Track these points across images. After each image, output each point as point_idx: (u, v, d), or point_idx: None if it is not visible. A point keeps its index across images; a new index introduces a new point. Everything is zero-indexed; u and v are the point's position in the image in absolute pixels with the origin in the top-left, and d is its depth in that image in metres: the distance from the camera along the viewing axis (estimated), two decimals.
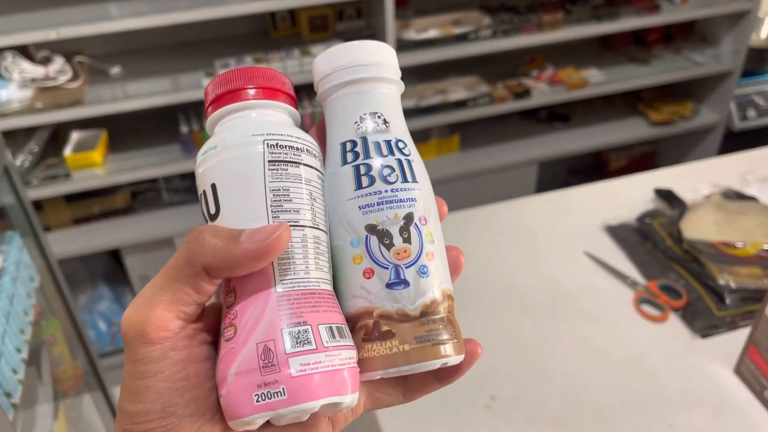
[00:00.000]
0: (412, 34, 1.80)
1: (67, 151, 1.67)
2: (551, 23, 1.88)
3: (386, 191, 0.34)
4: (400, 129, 0.36)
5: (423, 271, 0.33)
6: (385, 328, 0.32)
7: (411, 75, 2.01)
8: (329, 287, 0.33)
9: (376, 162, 0.34)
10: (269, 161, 0.32)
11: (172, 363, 0.29)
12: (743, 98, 2.19)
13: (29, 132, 1.72)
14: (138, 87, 1.69)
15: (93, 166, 1.68)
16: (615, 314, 0.87)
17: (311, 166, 0.33)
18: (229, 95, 0.34)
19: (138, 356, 0.29)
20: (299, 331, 0.29)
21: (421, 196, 0.34)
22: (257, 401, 0.28)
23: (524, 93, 1.96)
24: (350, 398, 0.30)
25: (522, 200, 1.14)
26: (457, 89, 1.94)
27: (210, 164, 0.32)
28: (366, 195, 0.34)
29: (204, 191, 0.33)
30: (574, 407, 0.74)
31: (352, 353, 0.31)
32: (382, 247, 0.33)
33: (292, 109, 0.36)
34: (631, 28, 1.97)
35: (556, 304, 0.89)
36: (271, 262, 0.30)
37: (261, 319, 0.30)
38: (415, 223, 0.34)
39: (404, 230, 0.33)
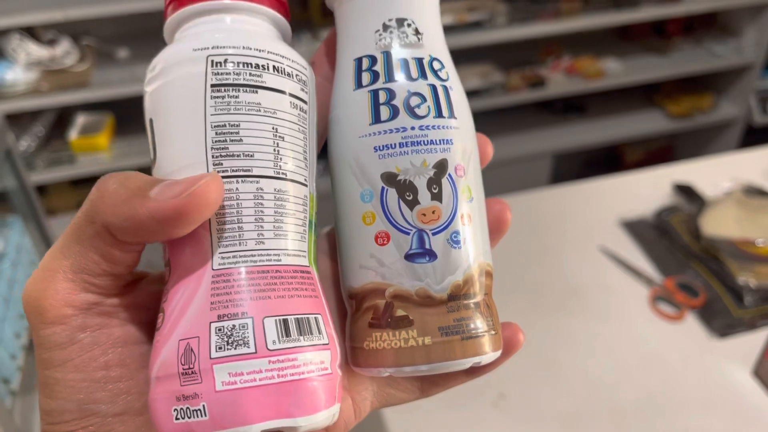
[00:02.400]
0: None
1: (73, 135, 1.66)
2: (569, 11, 1.85)
3: (413, 128, 0.25)
4: (436, 44, 0.27)
5: (455, 240, 0.25)
6: (400, 312, 0.25)
7: None
8: (300, 261, 0.24)
9: (402, 87, 0.26)
10: (212, 86, 0.23)
11: (84, 348, 0.23)
12: (765, 92, 2.14)
13: (35, 115, 1.71)
14: (145, 70, 1.66)
15: (98, 150, 1.67)
16: (630, 312, 0.84)
17: (281, 91, 0.24)
18: None
19: (40, 340, 0.22)
20: (233, 326, 0.22)
21: (460, 137, 0.26)
22: (176, 418, 0.22)
23: (539, 83, 1.93)
24: (311, 419, 0.22)
25: (535, 193, 1.12)
26: (471, 78, 1.91)
27: (148, 92, 0.25)
28: (385, 132, 0.25)
29: (146, 129, 0.25)
30: (585, 407, 0.72)
31: (324, 356, 0.23)
32: (402, 204, 0.25)
33: (277, 15, 0.27)
34: (651, 18, 1.93)
35: (569, 301, 0.87)
36: (207, 227, 0.23)
37: (188, 306, 0.22)
38: (449, 174, 0.25)
39: (434, 183, 0.25)
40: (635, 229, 0.98)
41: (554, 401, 0.73)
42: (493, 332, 0.26)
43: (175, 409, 0.22)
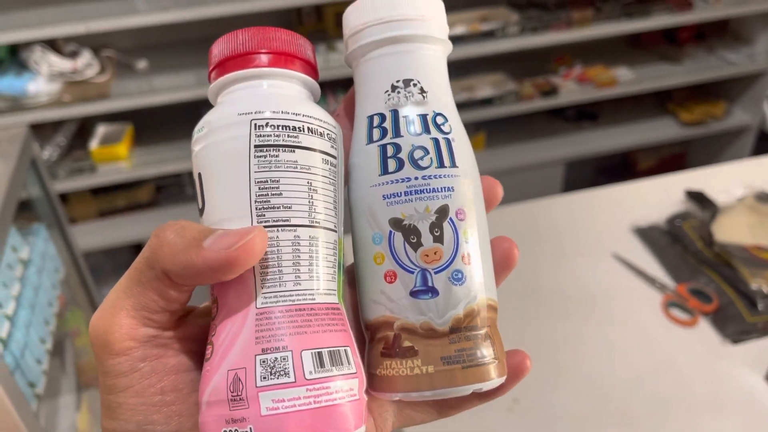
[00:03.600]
0: None
1: (93, 145, 1.69)
2: (580, 20, 1.85)
3: (416, 178, 0.28)
4: (441, 100, 0.29)
5: (456, 278, 0.27)
6: (406, 343, 0.27)
7: None
8: (331, 299, 0.27)
9: (407, 141, 0.28)
10: (255, 146, 0.26)
11: (143, 376, 0.26)
12: None
13: (57, 125, 1.74)
14: (164, 81, 1.70)
15: (118, 159, 1.70)
16: (643, 318, 0.84)
17: (314, 149, 0.27)
18: (230, 61, 0.28)
19: (105, 369, 0.25)
20: (275, 358, 0.24)
21: (461, 184, 0.28)
22: None
23: (552, 91, 1.93)
24: None
25: (548, 200, 1.12)
26: (484, 86, 1.92)
27: (197, 149, 0.28)
28: (392, 182, 0.28)
29: (194, 181, 0.28)
30: (598, 412, 0.72)
31: (353, 383, 0.26)
32: (407, 246, 0.27)
33: (308, 78, 0.30)
34: (663, 26, 1.94)
35: (583, 307, 0.87)
36: (252, 270, 0.26)
37: (236, 340, 0.25)
38: (450, 219, 0.28)
39: (436, 227, 0.27)
40: (648, 235, 0.98)
41: (568, 405, 0.73)
42: (495, 362, 0.28)
43: (225, 431, 0.24)
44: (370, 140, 0.29)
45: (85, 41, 1.73)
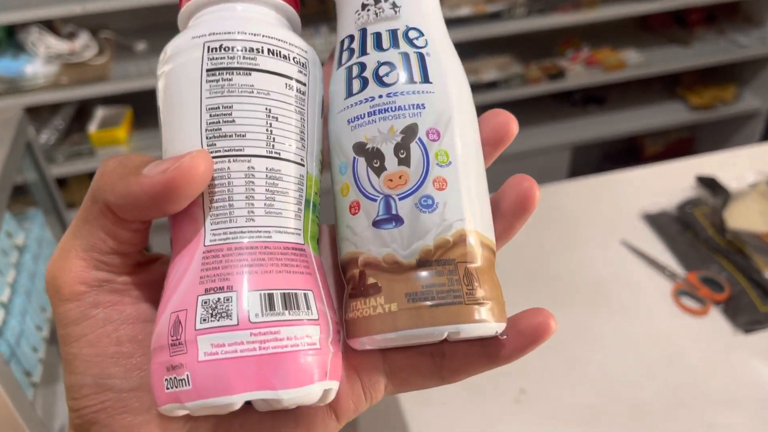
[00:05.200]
0: (443, 12, 1.75)
1: (92, 128, 1.67)
2: (588, 2, 1.83)
3: (381, 96, 0.25)
4: (417, 15, 0.27)
5: (426, 204, 0.24)
6: (371, 280, 0.24)
7: None
8: (293, 238, 0.24)
9: (372, 59, 0.26)
10: (208, 71, 0.24)
11: (97, 324, 0.23)
12: None
13: (54, 108, 1.72)
14: None
15: (117, 143, 1.68)
16: (653, 307, 0.83)
17: (275, 72, 0.25)
18: None
19: (58, 317, 0.23)
20: (218, 299, 0.22)
21: (435, 101, 0.25)
22: (167, 388, 0.22)
23: (558, 74, 1.91)
24: (295, 393, 0.22)
25: (556, 185, 1.11)
26: (489, 69, 1.90)
27: (158, 78, 0.26)
28: (356, 104, 0.25)
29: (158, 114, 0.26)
30: (607, 403, 0.71)
31: (312, 331, 0.23)
32: (370, 171, 0.25)
33: (284, 4, 0.27)
34: (672, 8, 1.90)
35: (591, 295, 0.86)
36: (201, 205, 0.23)
37: (182, 280, 0.23)
38: (420, 139, 0.24)
39: (401, 148, 0.24)
40: (658, 222, 0.97)
41: (576, 396, 0.72)
42: (480, 302, 0.24)
43: (166, 379, 0.22)
44: (339, 64, 0.27)
45: (82, 22, 1.71)
